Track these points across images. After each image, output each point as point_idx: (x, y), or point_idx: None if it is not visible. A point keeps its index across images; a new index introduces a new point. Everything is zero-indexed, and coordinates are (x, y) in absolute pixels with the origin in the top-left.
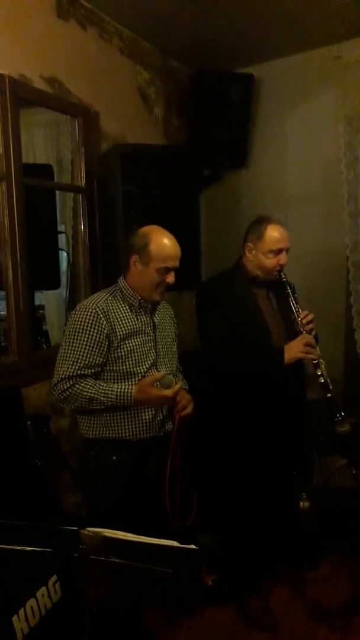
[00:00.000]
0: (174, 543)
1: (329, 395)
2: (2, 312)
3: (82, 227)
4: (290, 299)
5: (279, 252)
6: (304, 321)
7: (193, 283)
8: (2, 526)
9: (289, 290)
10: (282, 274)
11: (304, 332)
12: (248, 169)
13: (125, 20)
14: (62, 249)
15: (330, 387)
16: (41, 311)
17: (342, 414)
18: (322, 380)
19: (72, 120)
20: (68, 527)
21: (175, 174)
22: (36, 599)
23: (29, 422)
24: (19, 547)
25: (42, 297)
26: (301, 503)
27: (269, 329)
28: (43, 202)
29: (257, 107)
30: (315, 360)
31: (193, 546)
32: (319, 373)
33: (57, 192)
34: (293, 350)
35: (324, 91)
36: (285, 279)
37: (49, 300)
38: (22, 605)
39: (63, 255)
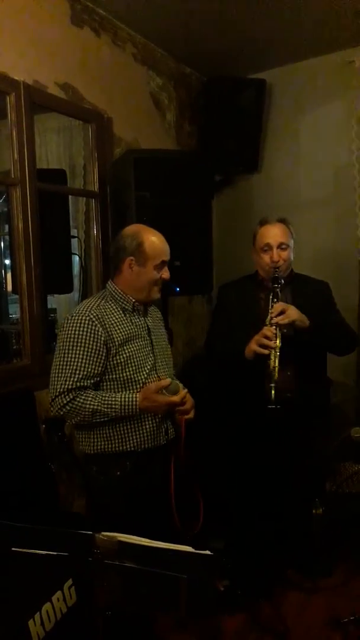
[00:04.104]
0: (189, 549)
1: (272, 384)
2: (15, 316)
3: (95, 231)
4: (271, 294)
5: (268, 249)
6: (273, 313)
7: (205, 288)
8: (18, 530)
9: (275, 285)
10: (275, 269)
11: (268, 324)
12: (260, 173)
13: (139, 27)
14: (75, 253)
15: (275, 378)
16: (53, 315)
17: (278, 407)
18: (270, 369)
19: (85, 126)
20: (83, 532)
21: (187, 179)
22: (52, 603)
23: (42, 426)
24: (35, 551)
25: (55, 301)
26: (314, 509)
27: None
28: (56, 207)
29: (269, 112)
30: (266, 353)
31: (207, 552)
32: (268, 362)
33: (70, 197)
34: (251, 344)
35: (336, 96)
36: (277, 275)
37: (61, 303)
38: (38, 610)
39: (75, 259)
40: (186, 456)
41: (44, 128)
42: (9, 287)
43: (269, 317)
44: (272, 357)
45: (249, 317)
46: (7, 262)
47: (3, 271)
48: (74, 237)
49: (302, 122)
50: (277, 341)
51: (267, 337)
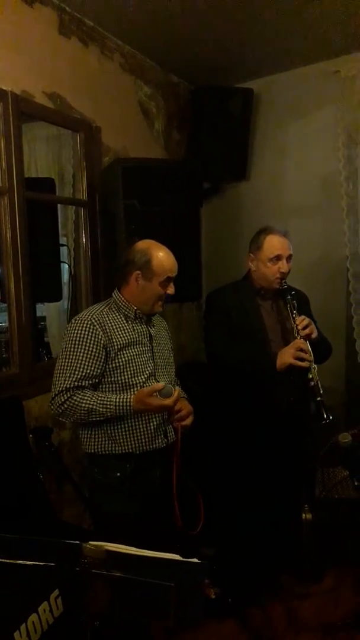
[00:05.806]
0: (177, 557)
1: (319, 399)
2: (3, 324)
3: (84, 239)
4: (288, 305)
5: (277, 260)
6: (300, 327)
7: (194, 295)
8: (4, 540)
9: (289, 297)
10: (282, 281)
11: (299, 337)
12: (248, 182)
13: (126, 37)
14: (64, 261)
15: (322, 392)
16: (42, 323)
17: (331, 417)
18: (312, 384)
19: (74, 135)
20: (70, 541)
21: (176, 187)
22: (38, 614)
23: (30, 435)
24: (21, 562)
25: (44, 309)
26: (304, 515)
27: (269, 339)
28: (45, 215)
29: (256, 121)
30: (306, 366)
31: (195, 560)
32: (310, 377)
33: (59, 205)
34: (284, 356)
35: (322, 105)
36: (285, 287)
37: (51, 312)
38: (24, 621)
39: (64, 267)
40: (181, 461)
41: (32, 137)
42: None
43: (295, 329)
44: (313, 371)
45: (253, 326)
46: None
47: None
48: (63, 245)
49: (289, 131)
50: (311, 354)
51: (302, 350)
